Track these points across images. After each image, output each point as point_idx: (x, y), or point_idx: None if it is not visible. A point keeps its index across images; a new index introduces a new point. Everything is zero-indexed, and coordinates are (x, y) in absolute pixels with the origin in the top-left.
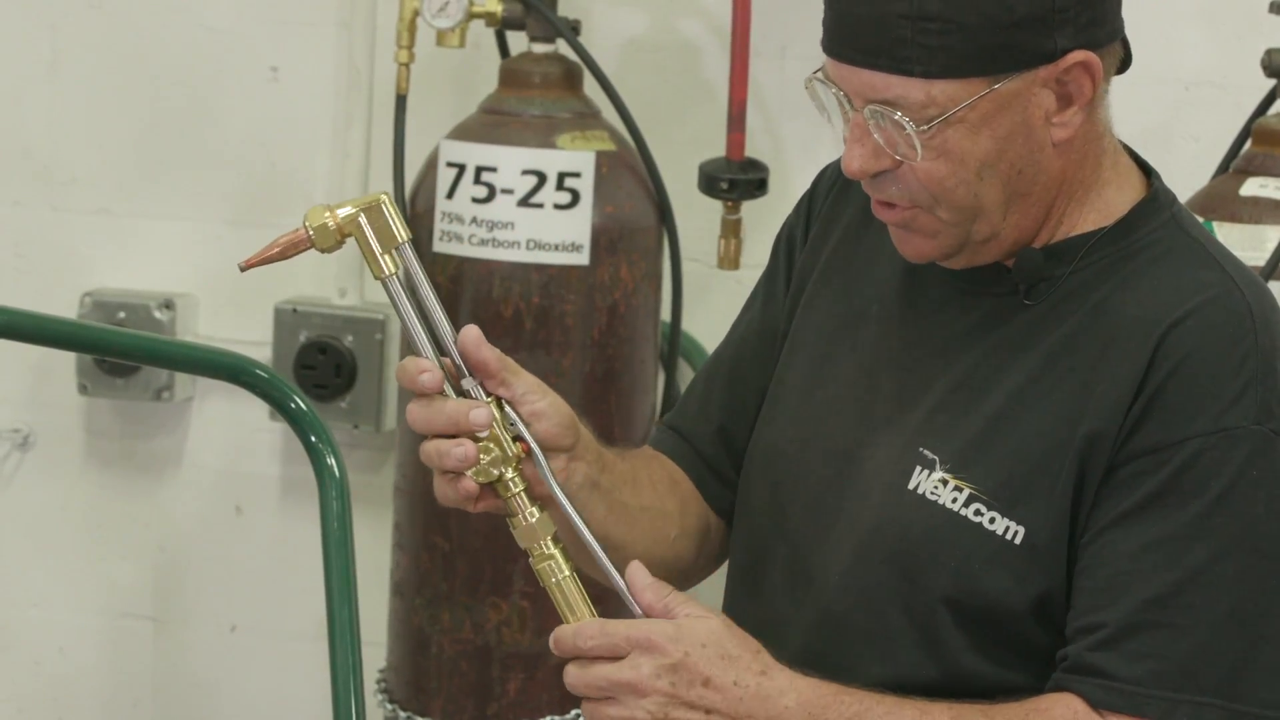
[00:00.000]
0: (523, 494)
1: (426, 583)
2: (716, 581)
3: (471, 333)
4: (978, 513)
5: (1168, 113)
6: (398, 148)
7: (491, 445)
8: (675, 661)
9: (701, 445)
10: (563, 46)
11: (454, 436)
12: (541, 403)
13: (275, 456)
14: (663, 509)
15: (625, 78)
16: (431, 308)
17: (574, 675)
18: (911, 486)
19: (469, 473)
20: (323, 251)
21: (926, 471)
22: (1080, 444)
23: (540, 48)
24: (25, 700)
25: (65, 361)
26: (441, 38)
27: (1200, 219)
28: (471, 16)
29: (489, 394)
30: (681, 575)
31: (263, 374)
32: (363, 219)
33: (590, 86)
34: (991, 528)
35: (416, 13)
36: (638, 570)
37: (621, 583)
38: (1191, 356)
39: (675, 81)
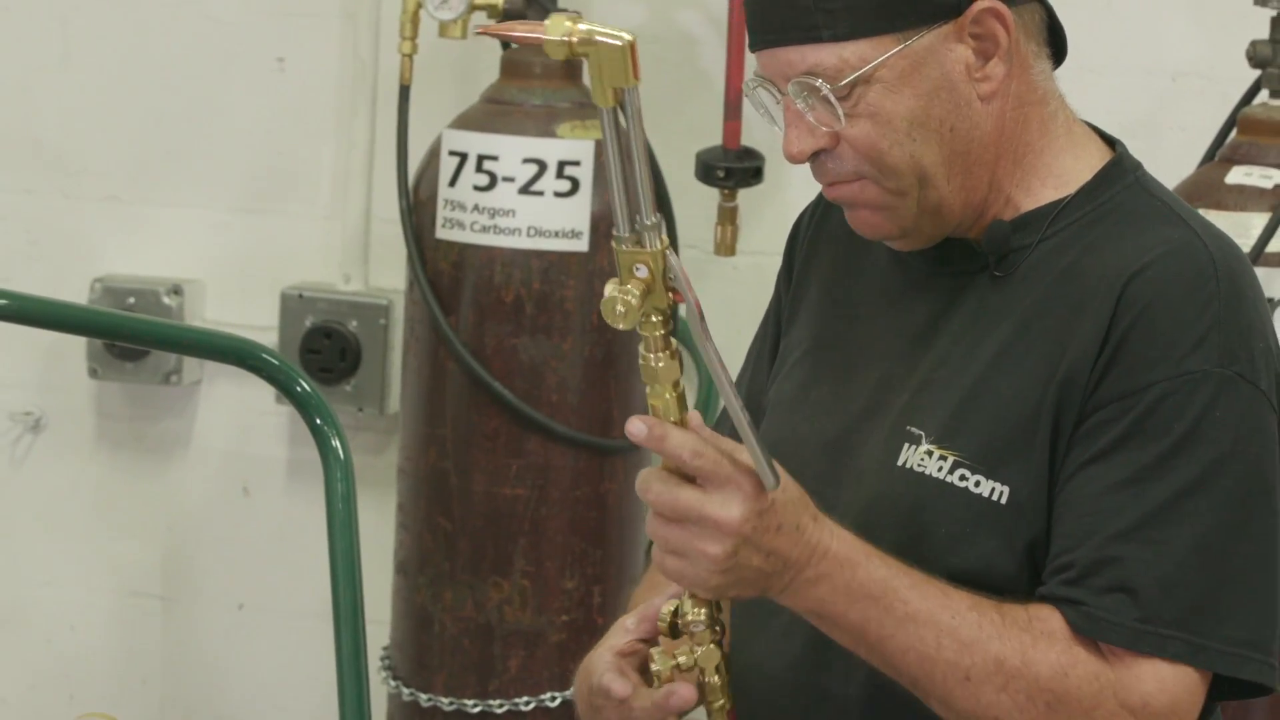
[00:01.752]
0: (659, 337)
1: (429, 562)
2: None
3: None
4: (962, 478)
5: (1155, 103)
6: (401, 137)
7: (643, 286)
8: (766, 506)
9: None
10: None
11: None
12: None
13: (281, 439)
14: None
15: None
16: (636, 148)
17: (657, 489)
18: (900, 463)
19: (618, 312)
20: (550, 56)
21: (913, 447)
22: (1054, 397)
23: None
24: (36, 677)
25: (76, 346)
26: (444, 29)
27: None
28: (473, 8)
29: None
30: None
31: (269, 358)
32: (599, 41)
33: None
34: (977, 490)
35: (419, 5)
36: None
37: (755, 443)
38: (1153, 304)
39: (673, 71)
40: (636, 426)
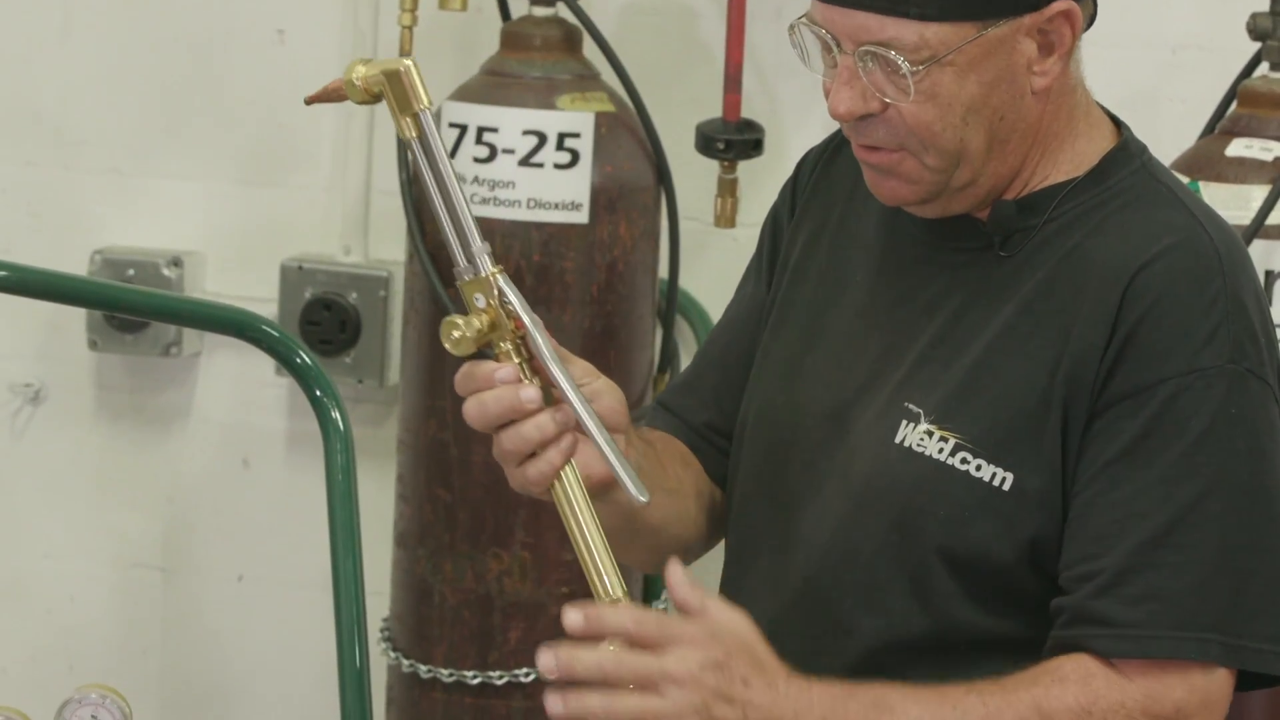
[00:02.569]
0: (523, 365)
1: (429, 533)
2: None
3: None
4: (964, 461)
5: (1155, 75)
6: None
7: (486, 317)
8: (719, 659)
9: (695, 418)
10: (562, 9)
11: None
12: (598, 383)
13: (281, 410)
14: (684, 488)
15: (624, 40)
16: (446, 177)
17: (608, 662)
18: (898, 440)
19: (454, 338)
20: (357, 102)
21: (912, 425)
22: (1061, 390)
23: (540, 11)
24: (37, 648)
25: (76, 317)
26: (444, 1)
27: (1185, 178)
28: None
29: (494, 264)
30: (698, 548)
31: (269, 330)
32: (386, 79)
33: (590, 49)
34: (979, 475)
35: None
36: (676, 567)
37: (617, 464)
38: (1162, 300)
39: (673, 44)
40: (573, 618)
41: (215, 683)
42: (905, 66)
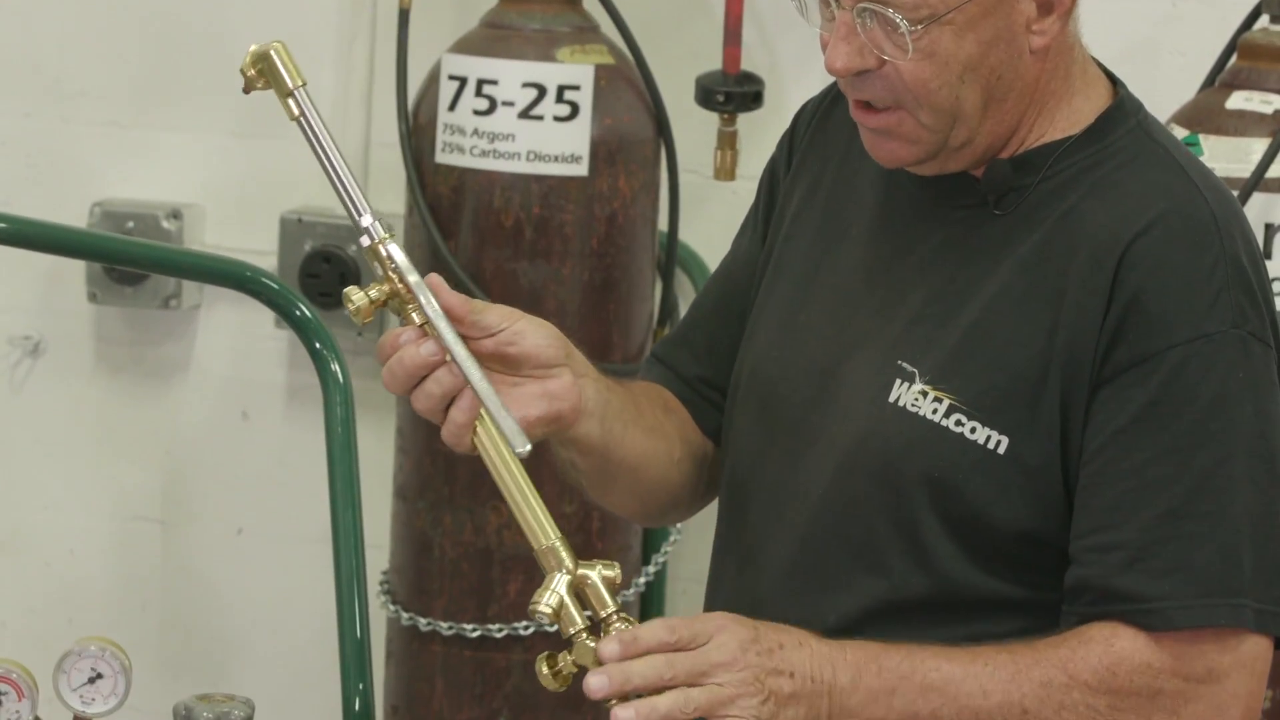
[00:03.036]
0: (426, 326)
1: (429, 486)
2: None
3: (434, 280)
4: (959, 423)
5: (1155, 27)
6: (401, 61)
7: (387, 285)
8: (752, 636)
9: (688, 370)
10: None
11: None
12: (519, 323)
13: (281, 363)
14: (664, 430)
15: None
16: (330, 153)
17: (660, 665)
18: (892, 399)
19: (351, 308)
20: (260, 89)
21: (906, 384)
22: (1061, 356)
23: None
24: (35, 601)
25: (75, 270)
26: None
27: (1185, 131)
28: None
29: (387, 232)
30: (688, 500)
31: (268, 282)
32: (263, 63)
33: (589, 1)
34: (973, 437)
35: None
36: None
37: (495, 410)
38: (1163, 266)
39: None
40: (610, 648)
41: (214, 636)
42: (904, 24)
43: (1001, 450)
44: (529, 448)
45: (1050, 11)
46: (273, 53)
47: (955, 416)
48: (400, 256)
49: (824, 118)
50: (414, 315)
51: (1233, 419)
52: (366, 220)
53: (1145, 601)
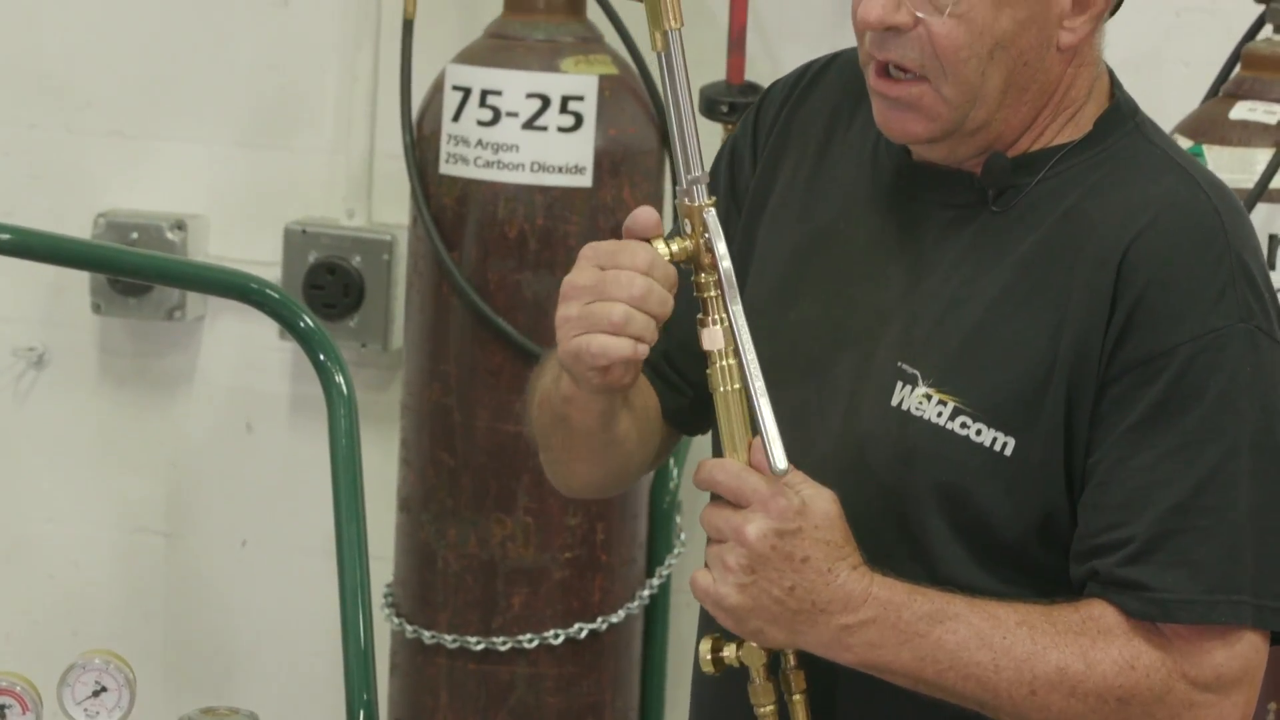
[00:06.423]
0: (714, 299)
1: (433, 498)
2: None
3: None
4: (964, 425)
5: (1159, 37)
6: (405, 71)
7: (690, 243)
8: (789, 530)
9: (655, 345)
10: None
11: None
12: None
13: (285, 374)
14: (646, 405)
15: (627, 2)
16: (680, 98)
17: (706, 511)
18: (895, 403)
19: (675, 248)
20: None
21: (909, 387)
22: (1065, 358)
23: None
24: (39, 612)
25: (79, 281)
26: None
27: (1189, 141)
28: None
29: (709, 197)
30: (635, 476)
31: (273, 293)
32: None
33: (593, 11)
34: (979, 440)
35: None
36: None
37: (768, 419)
38: (1168, 264)
39: None
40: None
41: (219, 648)
42: None
43: (1008, 452)
44: (788, 467)
45: (1084, 10)
46: None
47: (961, 419)
48: (718, 231)
49: (798, 104)
50: (706, 285)
51: (1238, 414)
52: (695, 175)
53: (1149, 590)
